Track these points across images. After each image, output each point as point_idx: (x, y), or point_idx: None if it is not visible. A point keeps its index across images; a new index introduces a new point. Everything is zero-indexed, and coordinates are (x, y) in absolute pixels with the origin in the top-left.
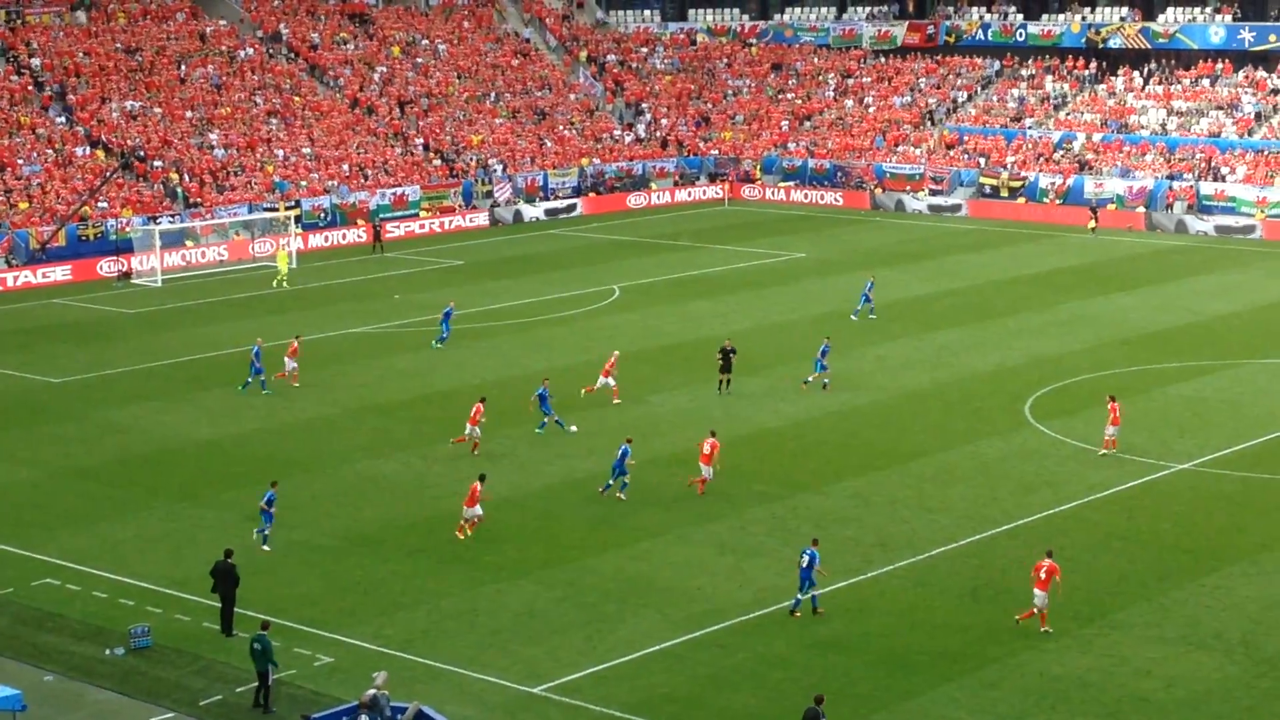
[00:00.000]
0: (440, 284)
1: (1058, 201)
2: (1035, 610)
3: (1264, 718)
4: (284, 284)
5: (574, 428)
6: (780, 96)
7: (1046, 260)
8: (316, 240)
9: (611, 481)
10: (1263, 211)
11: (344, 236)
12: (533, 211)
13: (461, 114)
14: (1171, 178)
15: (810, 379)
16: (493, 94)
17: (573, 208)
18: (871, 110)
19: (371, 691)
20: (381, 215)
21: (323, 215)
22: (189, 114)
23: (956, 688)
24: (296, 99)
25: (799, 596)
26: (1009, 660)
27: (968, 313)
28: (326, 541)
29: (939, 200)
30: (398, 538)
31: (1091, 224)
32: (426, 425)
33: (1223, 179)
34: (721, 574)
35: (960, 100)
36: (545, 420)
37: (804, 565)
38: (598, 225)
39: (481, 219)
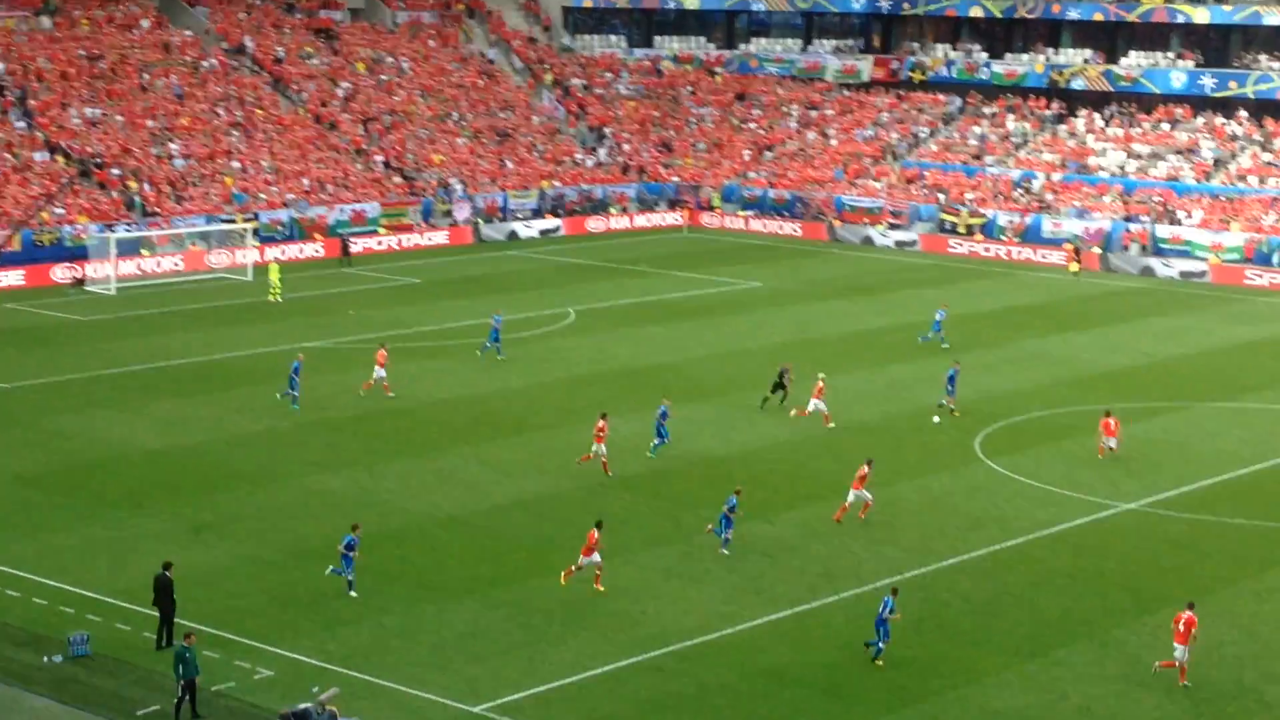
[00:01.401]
0: (397, 301)
1: (1015, 239)
2: (1175, 663)
3: None
4: (278, 298)
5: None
6: (743, 126)
7: (1002, 297)
8: (274, 254)
9: (657, 442)
10: (1217, 256)
11: (301, 251)
12: (527, 231)
13: (424, 132)
14: (1129, 219)
15: (944, 402)
16: (455, 113)
17: (558, 228)
18: (833, 143)
19: (304, 705)
20: (340, 230)
21: (280, 229)
22: (150, 123)
23: (898, 719)
24: (259, 112)
25: (880, 645)
26: (950, 694)
27: (921, 348)
28: (271, 555)
29: (901, 235)
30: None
31: (1074, 265)
32: (376, 441)
33: (1179, 222)
34: (666, 599)
35: (922, 136)
36: (658, 443)
37: (881, 614)
38: (557, 248)
39: (440, 237)
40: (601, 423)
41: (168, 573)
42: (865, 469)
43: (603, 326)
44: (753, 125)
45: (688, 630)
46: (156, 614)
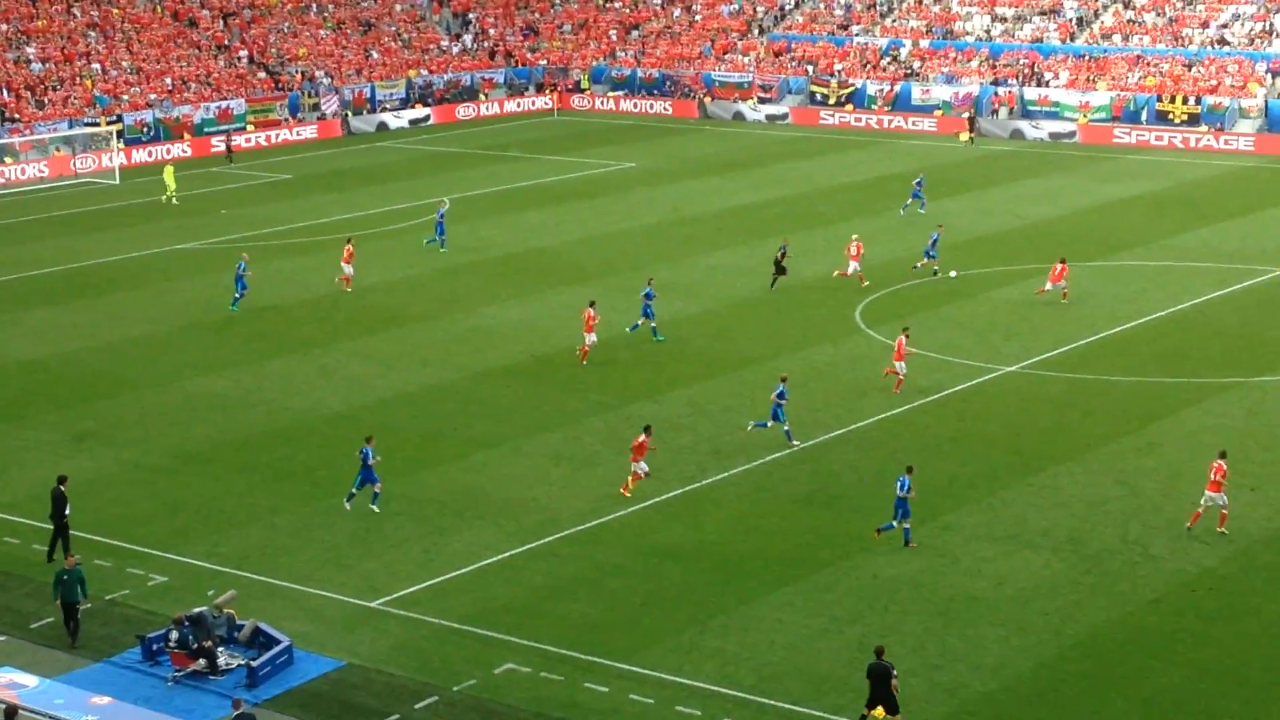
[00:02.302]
0: (268, 199)
1: (885, 108)
2: (1203, 508)
3: (1089, 612)
4: (173, 199)
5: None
6: (608, 6)
7: (875, 167)
8: (140, 155)
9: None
10: (1085, 116)
11: (168, 151)
12: (396, 121)
13: (286, 26)
14: (996, 83)
15: (919, 265)
16: (316, 5)
17: (427, 117)
18: (699, 19)
19: (200, 609)
20: (207, 129)
21: (145, 130)
22: (3, 27)
23: (792, 591)
24: (115, 11)
25: (892, 523)
26: (842, 563)
27: (797, 220)
28: (157, 460)
29: (772, 109)
30: (230, 455)
31: (964, 135)
32: (257, 341)
33: (1046, 84)
34: (557, 484)
35: (788, 8)
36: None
37: (899, 493)
38: (427, 137)
39: (309, 132)
40: (590, 311)
41: (61, 486)
42: (903, 338)
43: (477, 214)
44: (618, 5)
45: (579, 514)
46: (46, 526)
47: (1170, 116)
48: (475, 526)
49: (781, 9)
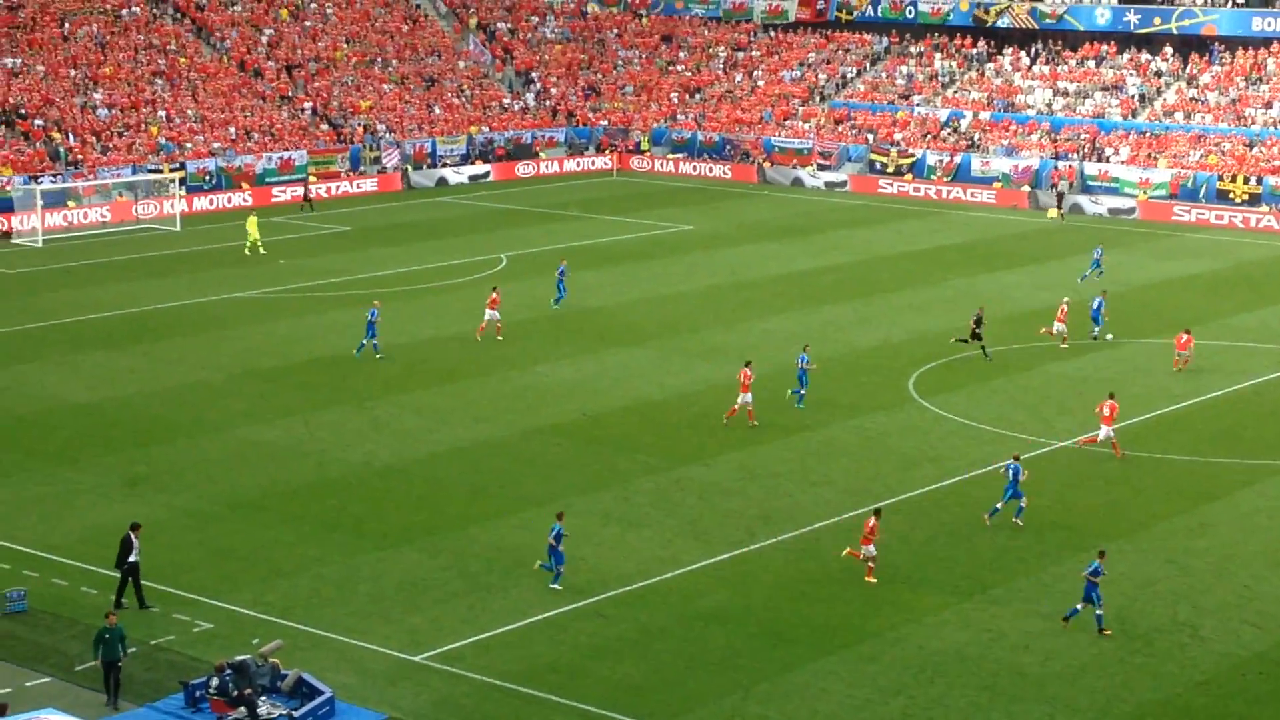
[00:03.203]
0: (326, 250)
1: (945, 178)
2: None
3: (1136, 691)
4: (260, 248)
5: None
6: (670, 68)
7: (933, 237)
8: (201, 203)
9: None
10: (1145, 193)
11: (229, 200)
12: (456, 177)
13: (349, 79)
14: (1057, 157)
15: (1095, 335)
16: (381, 59)
17: (487, 174)
18: (761, 84)
19: (243, 657)
20: (268, 179)
21: (208, 178)
22: (72, 72)
23: (837, 660)
24: (182, 60)
25: (1080, 609)
26: (889, 634)
27: (854, 288)
28: (208, 507)
29: (831, 176)
30: (279, 504)
31: (1053, 211)
32: (309, 391)
33: (1106, 160)
34: (605, 544)
35: (849, 76)
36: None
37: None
38: (487, 194)
39: (369, 185)
40: (746, 370)
41: (133, 534)
42: (1109, 403)
43: (535, 272)
44: (680, 68)
45: (627, 575)
46: (94, 568)
47: (1231, 196)
48: (522, 584)
49: (843, 77)
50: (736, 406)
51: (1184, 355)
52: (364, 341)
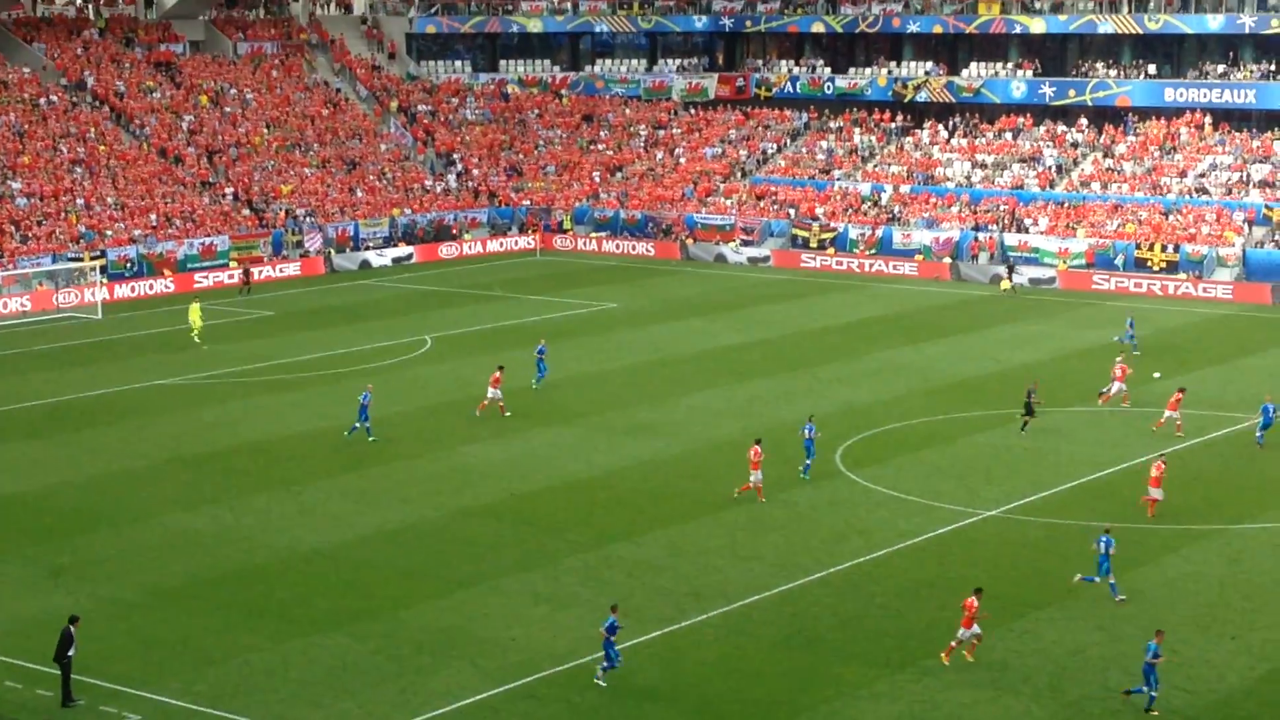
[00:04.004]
0: (250, 335)
1: (868, 252)
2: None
3: None
4: (197, 339)
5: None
6: (591, 147)
7: (857, 310)
8: (123, 291)
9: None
10: (1064, 262)
11: (151, 287)
12: (379, 260)
13: (271, 164)
14: (977, 229)
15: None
16: (302, 144)
17: (410, 256)
18: (682, 161)
19: None
20: (190, 265)
21: (129, 265)
22: None
23: None
24: (102, 148)
25: (1143, 689)
26: (821, 708)
27: (779, 362)
28: (134, 597)
29: (754, 251)
30: (206, 591)
31: (1005, 283)
32: (235, 477)
33: (1026, 230)
34: (535, 624)
35: (770, 152)
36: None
37: (1148, 659)
38: (410, 276)
39: (292, 269)
40: (756, 448)
41: (71, 626)
42: (1159, 468)
43: (460, 353)
44: (601, 146)
45: (558, 655)
46: (15, 660)
47: (1149, 264)
48: (453, 666)
49: (764, 153)
50: (750, 484)
51: (1174, 417)
52: (356, 425)
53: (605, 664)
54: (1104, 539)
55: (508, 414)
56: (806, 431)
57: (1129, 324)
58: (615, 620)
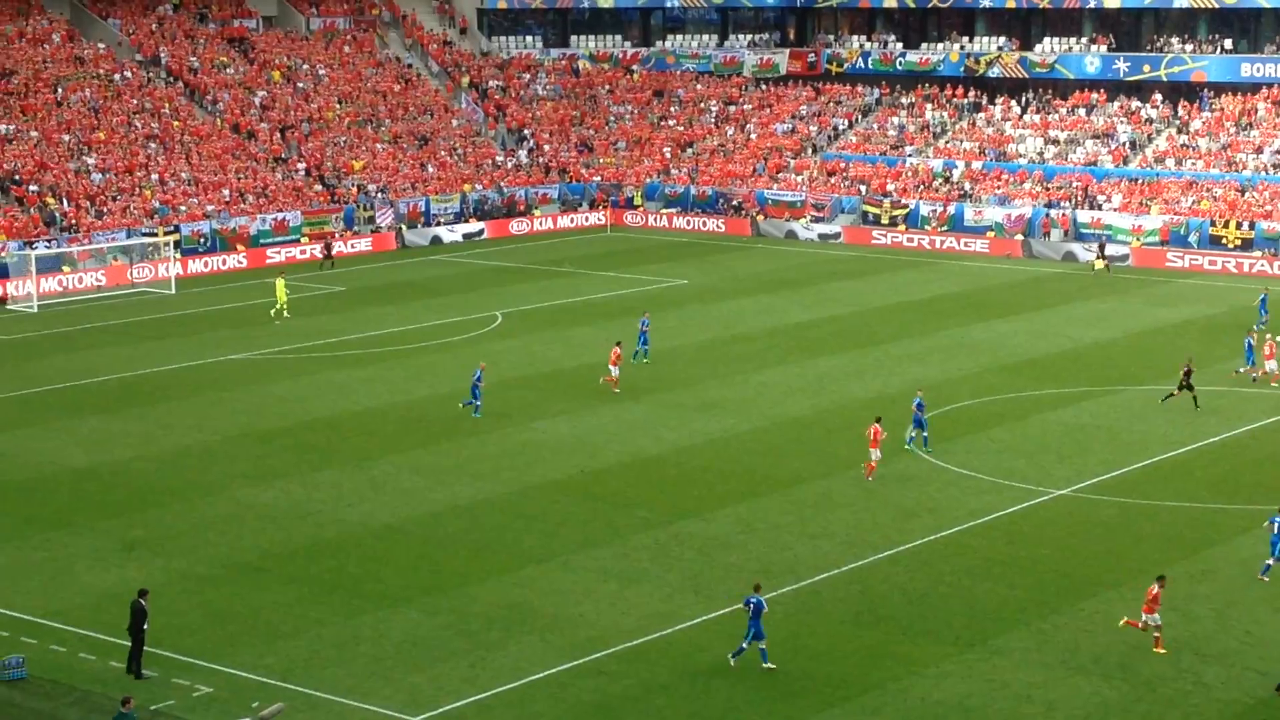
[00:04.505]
0: (322, 310)
1: (939, 229)
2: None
3: None
4: (285, 313)
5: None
6: (662, 123)
7: (927, 287)
8: (196, 266)
9: (913, 434)
10: (1138, 240)
11: (224, 262)
12: (450, 235)
13: (343, 139)
14: (1049, 206)
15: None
16: (374, 119)
17: (481, 231)
18: (753, 137)
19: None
20: (263, 241)
21: (202, 240)
22: (65, 137)
23: (839, 713)
24: (175, 123)
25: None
26: (891, 685)
27: (849, 339)
28: (206, 570)
29: (824, 228)
30: (278, 565)
31: (1099, 263)
32: (306, 452)
33: (1099, 207)
34: (605, 600)
35: (841, 128)
36: (914, 435)
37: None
38: (480, 251)
39: (364, 244)
40: (876, 426)
41: (142, 600)
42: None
43: (530, 329)
44: (672, 122)
45: (627, 631)
46: (93, 633)
47: (1224, 241)
48: (522, 641)
49: (835, 129)
50: (873, 462)
51: (1274, 368)
52: (470, 401)
53: (755, 642)
54: (1276, 519)
55: (617, 391)
56: (916, 407)
57: (1262, 299)
58: (759, 599)
